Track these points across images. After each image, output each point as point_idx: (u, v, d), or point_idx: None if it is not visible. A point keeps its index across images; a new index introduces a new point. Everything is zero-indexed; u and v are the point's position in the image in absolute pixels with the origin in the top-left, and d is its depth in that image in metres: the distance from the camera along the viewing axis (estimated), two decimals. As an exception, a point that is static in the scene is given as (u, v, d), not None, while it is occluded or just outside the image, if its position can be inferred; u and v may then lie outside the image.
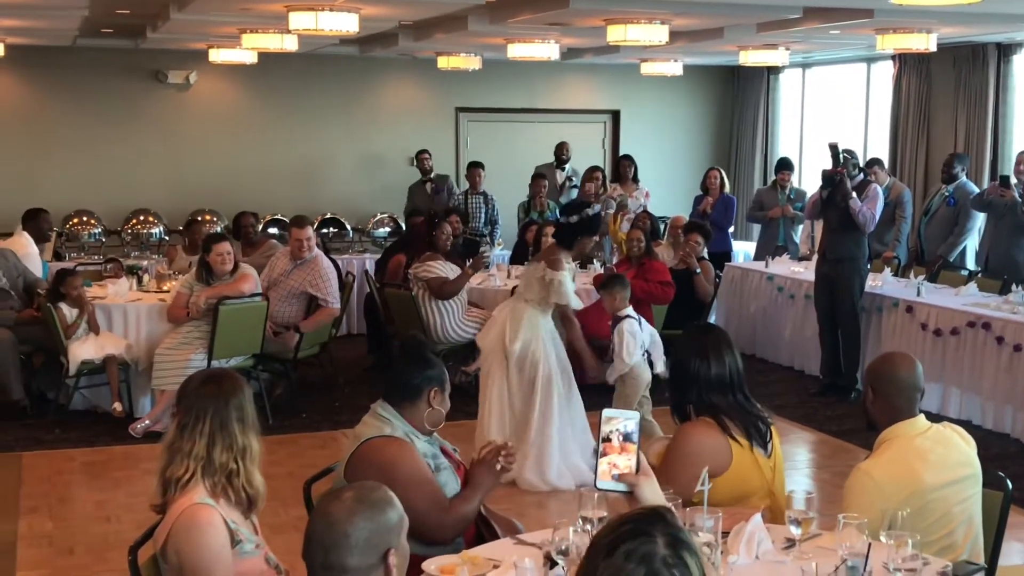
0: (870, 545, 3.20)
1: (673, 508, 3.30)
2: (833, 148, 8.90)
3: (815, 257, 9.82)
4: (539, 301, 6.94)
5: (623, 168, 11.85)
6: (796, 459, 7.89)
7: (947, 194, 10.34)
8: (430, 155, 12.92)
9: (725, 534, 3.41)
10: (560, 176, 12.75)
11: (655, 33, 8.83)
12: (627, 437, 3.03)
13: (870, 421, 3.88)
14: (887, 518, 3.33)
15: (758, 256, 11.68)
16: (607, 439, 3.03)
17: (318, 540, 2.51)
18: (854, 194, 8.73)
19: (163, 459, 3.31)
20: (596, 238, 7.58)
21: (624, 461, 3.02)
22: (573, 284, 7.05)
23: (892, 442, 3.74)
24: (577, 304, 7.08)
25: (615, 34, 8.91)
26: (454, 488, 3.92)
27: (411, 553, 3.73)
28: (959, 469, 3.73)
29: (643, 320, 7.32)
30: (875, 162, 10.99)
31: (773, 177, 12.37)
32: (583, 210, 6.99)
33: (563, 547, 3.16)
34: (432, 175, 12.80)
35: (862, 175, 9.07)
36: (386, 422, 3.89)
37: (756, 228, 14.62)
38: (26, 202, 12.20)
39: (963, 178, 10.39)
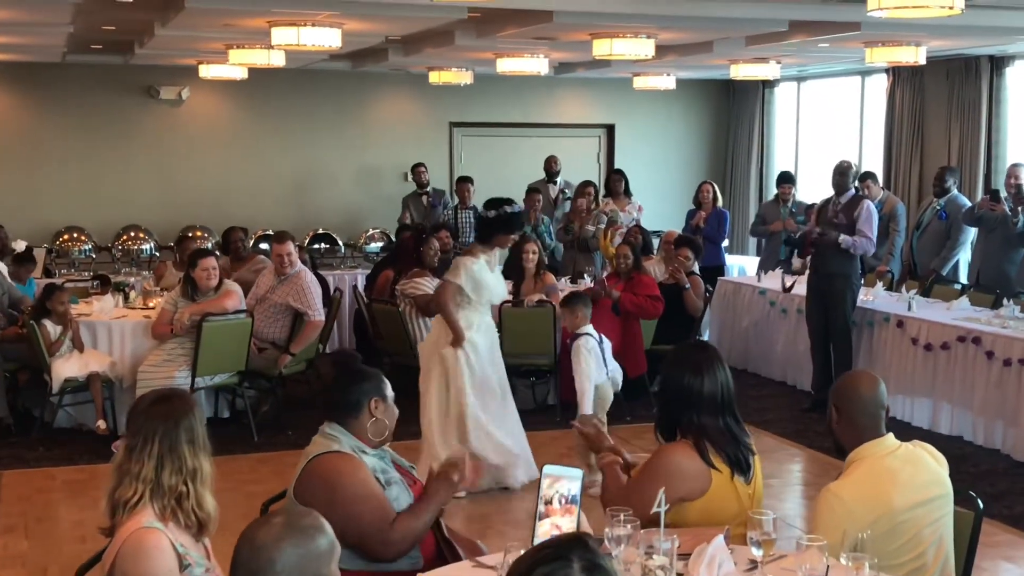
0: (828, 568, 3.13)
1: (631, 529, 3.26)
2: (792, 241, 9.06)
3: (807, 272, 9.76)
4: (469, 304, 6.90)
5: (614, 183, 11.83)
6: (786, 475, 7.81)
7: (938, 208, 10.28)
8: (426, 168, 12.89)
9: (687, 556, 3.35)
10: (553, 190, 12.71)
11: (641, 47, 8.80)
12: (571, 500, 2.99)
13: (837, 443, 3.82)
14: (852, 539, 3.26)
15: (762, 270, 11.68)
16: (549, 501, 2.97)
17: (243, 566, 2.44)
18: (841, 236, 8.67)
19: (112, 481, 3.25)
20: (515, 236, 7.43)
21: (567, 523, 2.96)
22: (494, 276, 6.99)
23: (861, 463, 3.67)
24: (457, 279, 6.87)
25: (600, 48, 8.89)
26: (406, 502, 3.86)
27: (359, 571, 3.70)
28: (929, 489, 3.66)
29: (604, 338, 7.26)
30: (868, 175, 10.93)
31: (773, 191, 12.35)
32: (502, 206, 6.86)
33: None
34: (429, 188, 12.77)
35: (854, 190, 9.00)
36: (333, 439, 3.85)
37: (752, 242, 14.62)
38: (17, 219, 12.23)
39: (955, 191, 10.33)
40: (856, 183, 8.96)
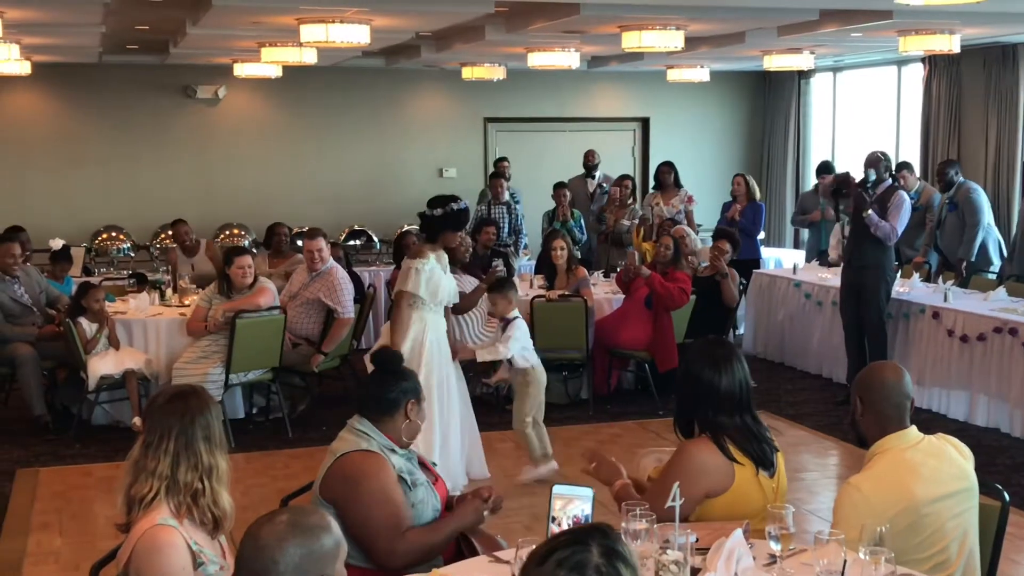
0: (845, 562, 3.10)
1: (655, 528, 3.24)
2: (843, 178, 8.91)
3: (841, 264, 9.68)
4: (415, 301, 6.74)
5: (662, 175, 11.76)
6: (820, 469, 7.75)
7: (947, 201, 10.21)
8: (509, 163, 12.87)
9: (705, 550, 3.33)
10: (591, 184, 12.67)
11: (670, 39, 8.76)
12: (584, 521, 2.97)
13: (859, 436, 3.77)
14: (871, 533, 3.22)
15: (808, 261, 11.67)
16: (559, 523, 2.95)
17: (246, 565, 2.43)
18: (871, 211, 8.56)
19: (128, 477, 3.26)
20: (462, 233, 7.34)
21: None
22: (446, 276, 6.82)
23: (883, 455, 3.62)
24: (415, 288, 6.70)
25: (630, 41, 8.85)
26: (433, 504, 3.87)
27: (363, 568, 3.70)
28: (953, 482, 3.61)
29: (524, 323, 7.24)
30: (904, 166, 10.83)
31: (811, 182, 12.23)
32: (448, 204, 6.71)
33: (527, 565, 3.08)
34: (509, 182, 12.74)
35: (890, 180, 8.89)
36: (363, 436, 3.86)
37: (789, 235, 14.54)
38: (57, 218, 12.39)
39: (959, 179, 10.26)
40: (887, 173, 8.82)
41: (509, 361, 7.06)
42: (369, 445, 3.83)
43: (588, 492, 3.00)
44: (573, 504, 2.97)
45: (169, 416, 3.26)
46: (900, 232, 8.74)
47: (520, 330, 7.03)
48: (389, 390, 3.92)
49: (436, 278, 6.69)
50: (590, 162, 12.78)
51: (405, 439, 3.92)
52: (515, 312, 7.11)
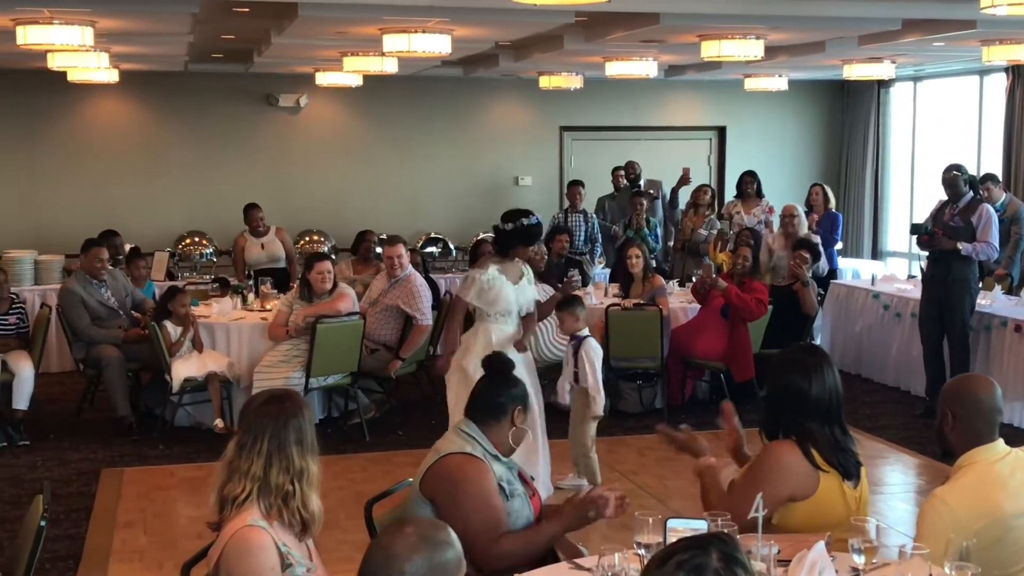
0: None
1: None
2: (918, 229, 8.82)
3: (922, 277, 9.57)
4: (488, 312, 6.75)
5: (745, 184, 11.70)
6: (898, 482, 7.69)
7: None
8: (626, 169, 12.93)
9: (786, 562, 3.33)
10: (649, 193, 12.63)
11: (750, 48, 8.73)
12: None
13: (946, 447, 3.74)
14: (957, 547, 3.20)
15: None
16: None
17: (373, 572, 2.52)
18: (962, 245, 8.46)
19: (221, 476, 3.33)
20: (534, 248, 7.32)
21: None
22: (517, 287, 6.75)
23: (970, 468, 3.60)
24: (465, 297, 6.72)
25: (709, 50, 8.84)
26: (525, 516, 3.91)
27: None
28: (1041, 496, 3.58)
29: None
30: (989, 177, 10.66)
31: (889, 193, 12.02)
32: (519, 219, 6.69)
33: (610, 573, 3.12)
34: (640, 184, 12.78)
35: (972, 193, 8.76)
36: (468, 440, 3.91)
37: (868, 244, 14.39)
38: (142, 223, 12.66)
39: (997, 192, 10.24)
40: (966, 186, 8.71)
41: (573, 382, 7.05)
42: (473, 449, 3.89)
43: (702, 524, 3.02)
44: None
45: (263, 418, 3.33)
46: (997, 244, 8.64)
47: (596, 354, 7.01)
48: (498, 395, 3.98)
49: (496, 288, 6.67)
50: (631, 173, 12.77)
51: (512, 444, 3.97)
52: (585, 330, 7.10)
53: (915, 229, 8.92)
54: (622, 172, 12.83)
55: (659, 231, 11.82)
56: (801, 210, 10.74)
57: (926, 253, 9.12)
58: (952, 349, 8.81)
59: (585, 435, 7.02)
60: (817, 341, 10.94)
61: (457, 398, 6.64)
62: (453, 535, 2.61)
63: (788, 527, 3.71)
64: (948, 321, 8.74)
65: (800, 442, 3.75)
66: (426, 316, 8.67)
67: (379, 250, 11.95)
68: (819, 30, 9.26)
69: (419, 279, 8.81)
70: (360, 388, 8.74)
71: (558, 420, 7.42)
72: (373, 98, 13.43)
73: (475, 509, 3.74)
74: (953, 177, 8.60)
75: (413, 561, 2.50)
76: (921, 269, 9.88)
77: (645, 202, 11.81)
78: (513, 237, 6.73)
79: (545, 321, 8.64)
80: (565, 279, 7.76)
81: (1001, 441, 3.65)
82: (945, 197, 8.84)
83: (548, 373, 8.69)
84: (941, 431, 3.73)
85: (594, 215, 12.14)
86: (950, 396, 3.72)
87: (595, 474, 7.06)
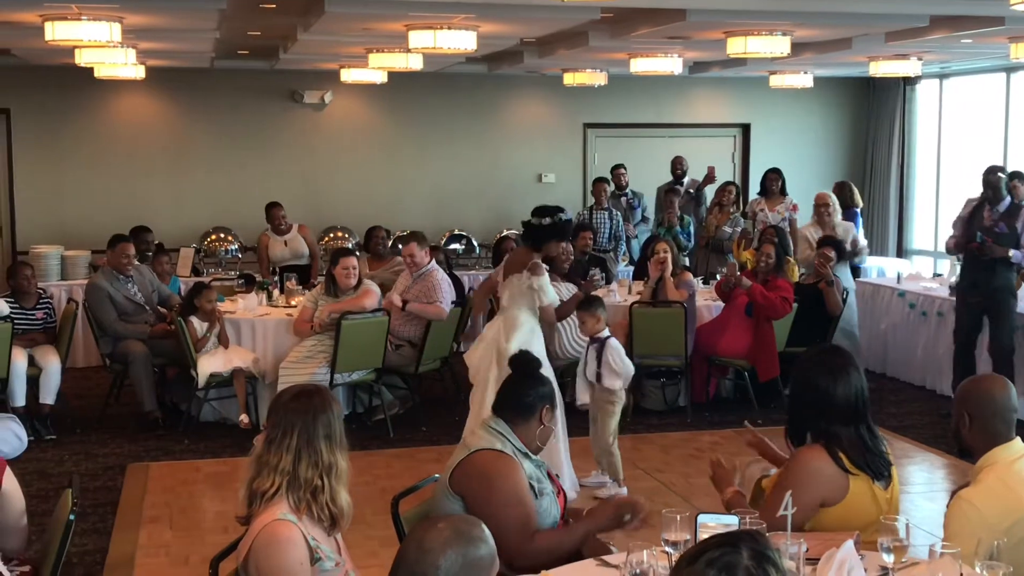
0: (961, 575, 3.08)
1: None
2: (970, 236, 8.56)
3: (952, 278, 9.47)
4: (530, 309, 6.89)
5: (769, 182, 11.64)
6: (925, 482, 7.65)
7: None
8: (626, 170, 12.93)
9: (815, 560, 3.32)
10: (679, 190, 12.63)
11: (776, 45, 8.70)
12: None
13: (963, 447, 3.74)
14: (987, 547, 3.19)
15: None
16: None
17: (408, 567, 2.54)
18: (1012, 251, 8.32)
19: (251, 471, 3.35)
20: (564, 243, 7.39)
21: None
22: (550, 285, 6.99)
23: (991, 468, 3.60)
24: (555, 300, 7.07)
25: (735, 46, 8.81)
26: (553, 515, 3.91)
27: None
28: (1065, 493, 3.56)
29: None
30: (1016, 175, 10.56)
31: (915, 190, 11.92)
32: (555, 214, 6.81)
33: (638, 570, 3.12)
34: (627, 190, 12.79)
35: (1010, 198, 8.64)
36: (498, 437, 3.92)
37: (894, 242, 14.32)
38: (168, 219, 12.71)
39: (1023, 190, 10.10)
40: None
41: (595, 382, 7.04)
42: (503, 446, 3.89)
43: (734, 520, 3.02)
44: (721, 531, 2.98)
45: (292, 413, 3.35)
46: None
47: (619, 355, 6.99)
48: (527, 394, 3.99)
49: (552, 292, 6.89)
50: (678, 169, 12.76)
51: (539, 443, 3.98)
52: (606, 331, 7.09)
53: (968, 236, 8.56)
54: (622, 171, 12.82)
55: (692, 229, 11.74)
56: (834, 199, 10.67)
57: (956, 257, 8.96)
58: (1000, 354, 8.57)
59: (607, 432, 7.01)
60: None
61: (493, 389, 6.76)
62: (487, 531, 2.62)
63: (817, 530, 3.70)
64: (998, 328, 8.54)
65: (827, 446, 3.73)
66: (444, 303, 8.62)
67: (400, 246, 12.03)
68: (846, 26, 9.21)
69: (440, 273, 8.78)
70: (384, 384, 8.77)
71: (577, 418, 7.41)
72: (397, 95, 13.45)
73: (508, 505, 3.74)
74: (997, 179, 8.49)
75: (447, 556, 2.51)
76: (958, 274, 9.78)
77: (677, 199, 11.77)
78: (548, 232, 6.83)
79: (567, 320, 8.64)
80: (587, 277, 7.76)
81: (1019, 439, 3.66)
82: (970, 196, 8.77)
83: (569, 371, 8.70)
84: (958, 432, 3.73)
85: (618, 213, 12.12)
86: (965, 397, 3.72)
87: (618, 471, 7.05)
